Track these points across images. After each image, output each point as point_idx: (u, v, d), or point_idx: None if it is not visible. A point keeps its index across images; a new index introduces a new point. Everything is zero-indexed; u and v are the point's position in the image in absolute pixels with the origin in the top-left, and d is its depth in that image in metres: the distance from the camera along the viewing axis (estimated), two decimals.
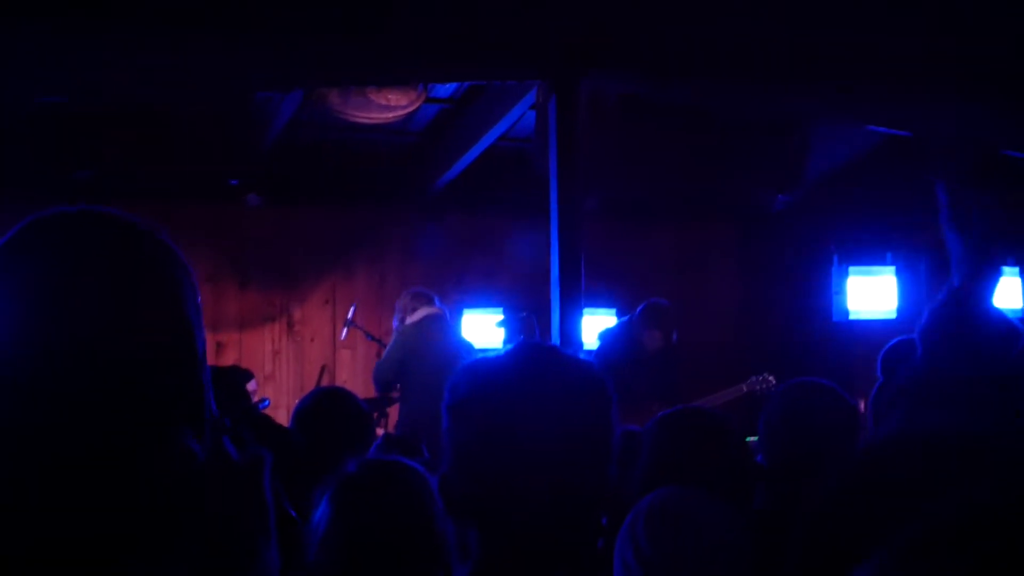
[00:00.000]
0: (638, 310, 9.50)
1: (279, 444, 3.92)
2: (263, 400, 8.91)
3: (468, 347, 9.47)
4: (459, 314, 11.47)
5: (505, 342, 10.63)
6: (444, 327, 9.51)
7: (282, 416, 9.54)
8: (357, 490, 2.77)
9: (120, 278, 1.55)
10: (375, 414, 9.65)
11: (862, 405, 5.09)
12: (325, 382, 10.93)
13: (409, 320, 9.36)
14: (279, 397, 10.93)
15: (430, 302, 9.54)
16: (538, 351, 2.22)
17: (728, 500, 3.34)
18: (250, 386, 9.01)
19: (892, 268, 10.40)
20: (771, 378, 9.63)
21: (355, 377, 11.48)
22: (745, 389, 9.71)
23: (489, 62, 6.29)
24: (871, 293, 10.39)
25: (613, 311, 10.03)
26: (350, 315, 10.49)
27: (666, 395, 9.11)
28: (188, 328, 1.57)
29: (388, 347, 9.57)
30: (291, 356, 11.47)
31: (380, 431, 8.97)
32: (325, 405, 5.12)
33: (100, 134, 8.34)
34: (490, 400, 2.11)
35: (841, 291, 10.47)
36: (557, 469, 2.07)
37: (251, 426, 3.84)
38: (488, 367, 2.19)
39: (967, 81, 6.75)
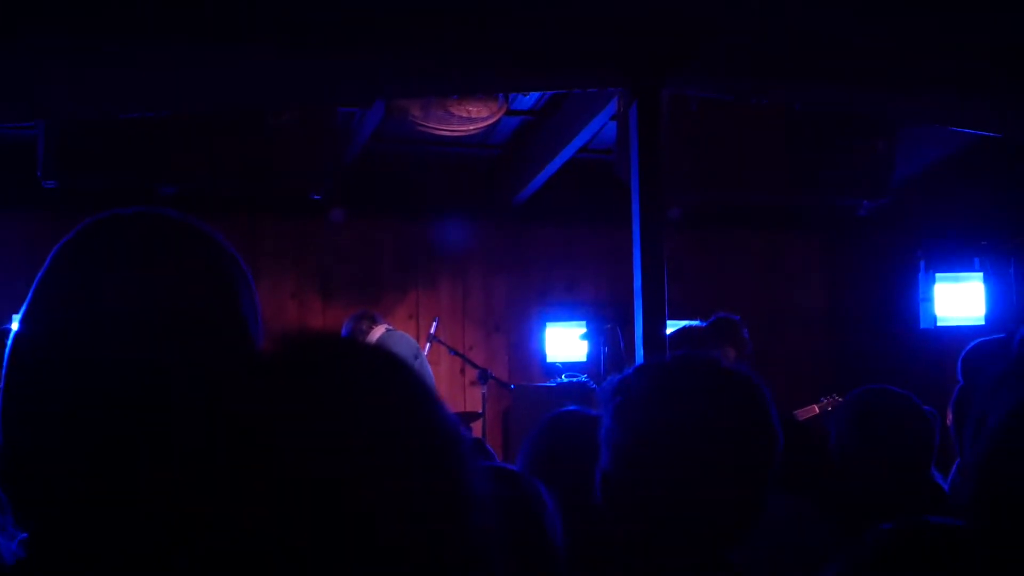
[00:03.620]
0: (707, 323, 9.38)
1: None
2: None
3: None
4: (543, 327, 11.46)
5: (589, 355, 10.62)
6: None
7: None
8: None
9: (168, 266, 1.56)
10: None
11: (949, 414, 5.04)
12: None
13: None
14: None
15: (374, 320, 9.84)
16: (704, 361, 2.33)
17: (809, 498, 3.34)
18: None
19: (980, 274, 10.26)
20: (839, 399, 9.55)
21: (439, 392, 11.40)
22: (817, 409, 9.61)
23: (569, 70, 6.27)
24: (959, 299, 10.26)
25: (697, 322, 9.95)
26: (432, 330, 10.50)
27: None
28: (240, 316, 1.58)
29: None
30: None
31: None
32: None
33: (184, 149, 8.39)
34: (657, 404, 2.22)
35: (928, 298, 10.34)
36: (715, 475, 2.17)
37: None
38: (656, 373, 2.32)
39: None
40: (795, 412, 9.55)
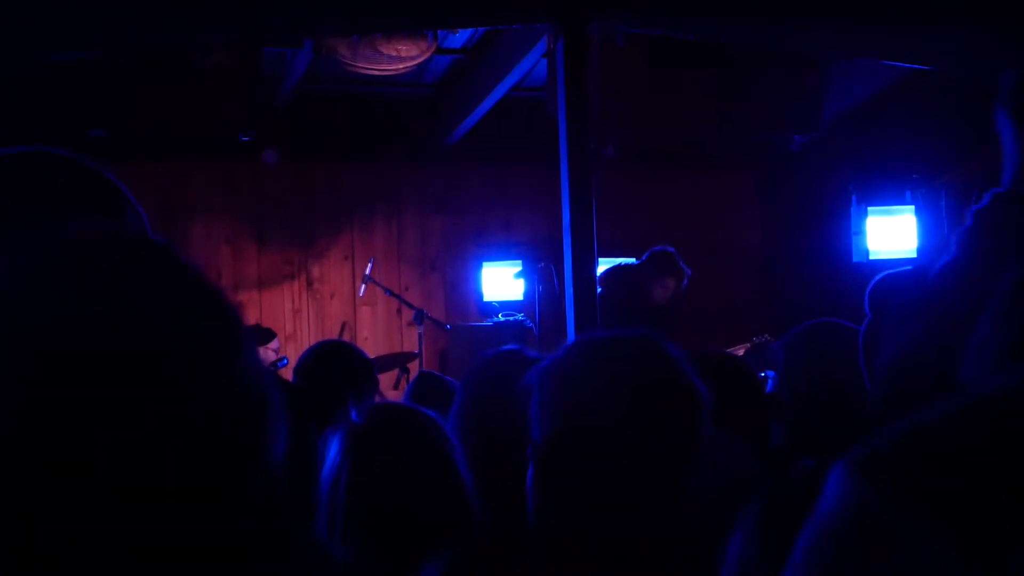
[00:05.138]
0: (644, 257, 9.37)
1: (285, 399, 3.88)
2: (282, 359, 8.89)
3: None
4: (479, 267, 11.45)
5: (525, 293, 10.61)
6: None
7: None
8: (372, 436, 2.69)
9: (49, 196, 1.57)
10: (396, 370, 9.64)
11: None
12: (346, 339, 10.88)
13: None
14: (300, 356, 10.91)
15: None
16: (630, 339, 2.39)
17: (745, 437, 3.30)
18: (273, 345, 9.02)
19: (912, 207, 10.29)
20: (771, 338, 9.59)
21: (376, 333, 11.46)
22: (750, 347, 9.65)
23: (493, 6, 6.22)
24: (891, 233, 10.28)
25: (633, 260, 9.95)
26: (368, 271, 10.44)
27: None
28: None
29: None
30: (312, 314, 11.45)
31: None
32: (324, 357, 5.09)
33: (113, 93, 8.32)
34: (586, 380, 2.29)
35: (861, 232, 10.37)
36: (644, 448, 2.24)
37: None
38: (586, 350, 2.38)
39: (989, 10, 6.63)
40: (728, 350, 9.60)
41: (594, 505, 2.22)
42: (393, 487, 2.59)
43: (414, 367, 9.90)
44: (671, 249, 9.35)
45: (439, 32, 8.57)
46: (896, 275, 2.94)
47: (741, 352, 9.53)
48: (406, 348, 10.96)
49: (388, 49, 8.31)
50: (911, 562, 0.70)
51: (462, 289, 11.74)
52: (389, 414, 2.87)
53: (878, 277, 3.18)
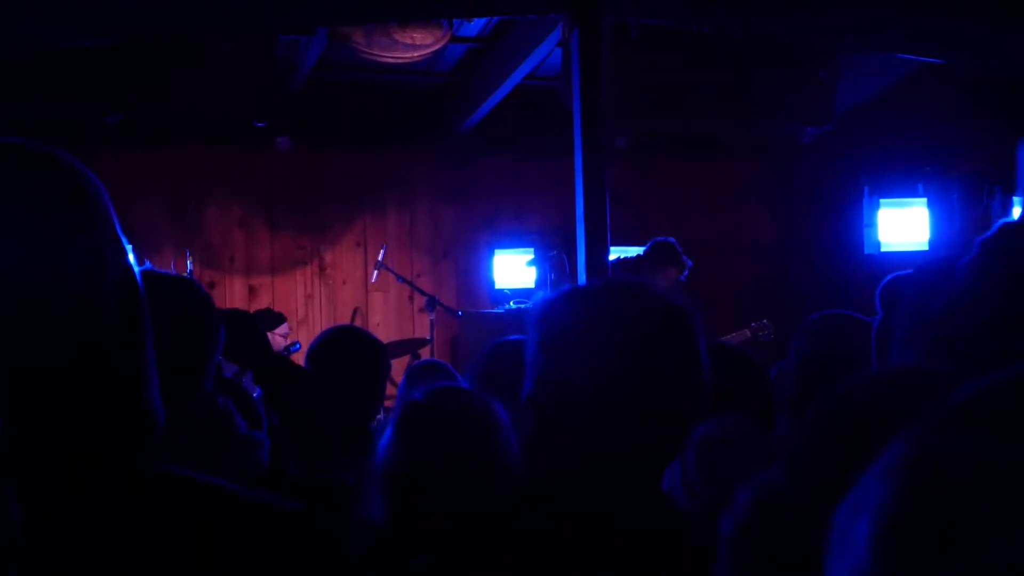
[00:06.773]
0: (646, 248, 9.37)
1: (298, 384, 3.91)
2: (294, 343, 8.92)
3: None
4: (491, 254, 11.49)
5: (537, 281, 10.64)
6: None
7: None
8: (426, 413, 2.62)
9: None
10: (408, 356, 9.67)
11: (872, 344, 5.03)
12: (358, 325, 10.91)
13: None
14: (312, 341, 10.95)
15: None
16: (630, 286, 2.32)
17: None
18: (282, 330, 9.06)
19: (924, 200, 10.29)
20: (770, 324, 9.63)
21: (388, 319, 11.50)
22: (749, 334, 9.68)
23: None
24: (903, 225, 10.29)
25: (639, 250, 9.98)
26: (380, 257, 10.48)
27: None
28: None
29: None
30: (324, 300, 11.49)
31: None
32: (337, 342, 5.10)
33: (129, 78, 8.35)
34: (583, 330, 2.20)
35: (872, 224, 10.37)
36: (639, 402, 2.16)
37: (268, 368, 3.83)
38: (582, 298, 2.29)
39: (999, 6, 6.66)
40: (726, 337, 9.61)
41: (584, 457, 2.15)
42: (441, 458, 2.51)
43: (425, 353, 9.93)
44: (672, 240, 9.38)
45: (454, 20, 8.59)
46: (905, 275, 2.97)
47: (740, 340, 9.57)
48: (418, 335, 11.00)
49: (403, 37, 8.33)
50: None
51: (474, 276, 11.77)
52: (450, 394, 2.84)
53: (888, 277, 3.23)
